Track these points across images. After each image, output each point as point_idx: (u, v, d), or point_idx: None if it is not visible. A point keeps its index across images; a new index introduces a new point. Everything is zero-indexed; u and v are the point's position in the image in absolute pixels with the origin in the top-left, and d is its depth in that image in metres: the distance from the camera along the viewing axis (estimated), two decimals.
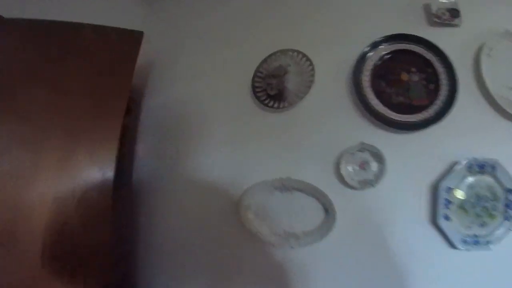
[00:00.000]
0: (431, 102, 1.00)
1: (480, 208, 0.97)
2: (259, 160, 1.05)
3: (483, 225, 0.96)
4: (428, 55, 1.04)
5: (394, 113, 1.00)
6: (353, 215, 0.94)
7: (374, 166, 0.96)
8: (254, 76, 1.12)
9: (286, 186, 0.97)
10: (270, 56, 1.12)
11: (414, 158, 0.97)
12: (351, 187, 0.95)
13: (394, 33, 1.06)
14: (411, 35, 1.05)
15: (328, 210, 0.94)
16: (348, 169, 0.96)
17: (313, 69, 1.06)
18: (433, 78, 1.03)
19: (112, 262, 0.97)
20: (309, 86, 1.04)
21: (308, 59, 1.07)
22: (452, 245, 0.92)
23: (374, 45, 1.05)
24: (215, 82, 1.21)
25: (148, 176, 1.28)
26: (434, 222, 0.94)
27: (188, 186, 1.15)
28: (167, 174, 1.21)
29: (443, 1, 1.10)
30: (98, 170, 0.98)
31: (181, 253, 1.13)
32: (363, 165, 0.96)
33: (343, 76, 1.05)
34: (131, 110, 1.27)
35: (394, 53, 1.05)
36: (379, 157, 0.95)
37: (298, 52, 1.09)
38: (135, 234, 1.24)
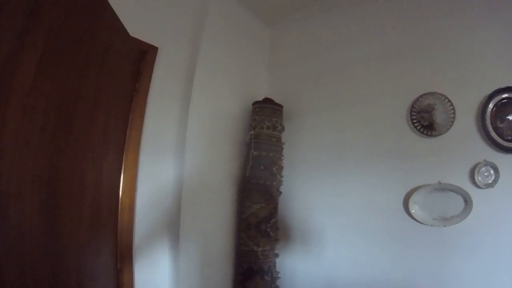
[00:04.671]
0: None
1: None
2: (418, 171, 1.78)
3: None
4: None
5: (505, 142, 1.76)
6: (480, 204, 1.72)
7: (492, 174, 1.74)
8: (411, 110, 1.80)
9: (443, 187, 1.72)
10: (421, 96, 1.80)
11: None
12: (480, 187, 1.73)
13: (504, 85, 1.78)
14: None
15: (467, 201, 1.72)
16: (478, 176, 1.73)
17: (453, 109, 1.76)
18: None
19: None
20: (451, 121, 1.75)
21: (449, 101, 1.77)
22: None
23: (490, 97, 1.77)
24: (371, 112, 1.87)
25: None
26: None
27: (357, 189, 1.85)
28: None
29: None
30: None
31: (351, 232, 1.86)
32: (486, 174, 1.74)
33: (473, 115, 1.77)
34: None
35: (505, 99, 1.78)
36: (495, 169, 1.73)
37: (442, 94, 1.78)
38: None
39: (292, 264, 2.05)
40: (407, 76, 1.89)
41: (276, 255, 1.97)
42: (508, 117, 1.80)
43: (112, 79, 1.60)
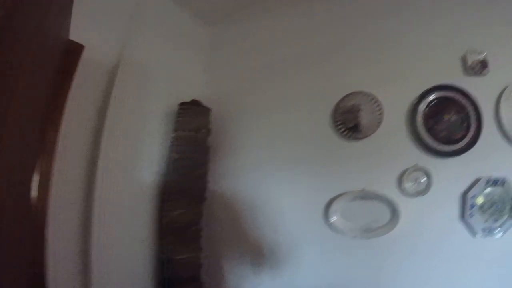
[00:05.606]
0: (463, 136, 1.60)
1: (495, 209, 1.59)
2: (340, 177, 1.66)
3: (496, 220, 1.58)
4: (463, 101, 1.63)
5: (439, 144, 1.60)
6: (409, 215, 1.56)
7: (424, 180, 1.57)
8: (334, 111, 1.69)
9: (366, 195, 1.58)
10: (346, 96, 1.70)
11: (451, 175, 1.58)
12: (408, 195, 1.57)
13: (438, 83, 1.65)
14: (449, 85, 1.63)
15: (394, 211, 1.56)
16: (407, 183, 1.57)
17: (381, 109, 1.64)
18: (466, 118, 1.62)
19: None
20: (379, 122, 1.62)
21: (376, 101, 1.65)
22: (474, 233, 1.55)
23: (422, 96, 1.64)
24: (298, 114, 1.78)
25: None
26: (462, 218, 1.56)
27: (280, 196, 1.75)
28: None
29: (476, 56, 1.67)
30: None
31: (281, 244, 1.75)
32: (417, 181, 1.57)
33: (403, 115, 1.64)
34: None
35: (438, 99, 1.63)
36: (428, 175, 1.57)
37: (369, 94, 1.66)
38: None
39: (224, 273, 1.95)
40: (334, 76, 1.77)
41: (200, 265, 1.88)
42: (443, 117, 1.65)
43: (35, 78, 1.64)
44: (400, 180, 1.60)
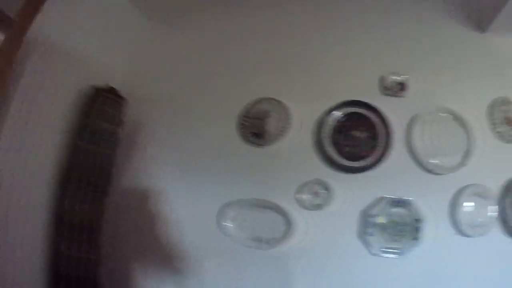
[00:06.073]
0: (370, 154, 1.59)
1: (396, 230, 1.56)
2: (238, 182, 1.66)
3: (396, 241, 1.55)
4: (374, 119, 1.61)
5: (344, 160, 1.58)
6: (306, 228, 1.53)
7: (324, 195, 1.54)
8: (242, 116, 1.68)
9: (260, 204, 1.55)
10: (256, 101, 1.69)
11: (353, 192, 1.56)
12: (306, 208, 1.54)
13: (353, 98, 1.64)
14: (361, 101, 1.62)
15: (289, 224, 1.52)
16: (305, 195, 1.54)
17: (289, 117, 1.62)
18: (375, 136, 1.60)
19: None
20: (284, 132, 1.60)
21: (286, 109, 1.64)
22: (372, 253, 1.51)
23: (331, 110, 1.63)
24: (204, 116, 1.77)
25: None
26: (361, 236, 1.53)
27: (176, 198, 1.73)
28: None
29: (395, 77, 1.67)
30: None
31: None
32: (316, 194, 1.55)
33: (311, 126, 1.63)
34: None
35: (349, 114, 1.63)
36: (328, 189, 1.54)
37: (279, 101, 1.66)
38: None
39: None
40: (247, 81, 1.78)
41: (96, 264, 1.80)
42: (351, 133, 1.63)
43: None
44: (299, 192, 1.58)
